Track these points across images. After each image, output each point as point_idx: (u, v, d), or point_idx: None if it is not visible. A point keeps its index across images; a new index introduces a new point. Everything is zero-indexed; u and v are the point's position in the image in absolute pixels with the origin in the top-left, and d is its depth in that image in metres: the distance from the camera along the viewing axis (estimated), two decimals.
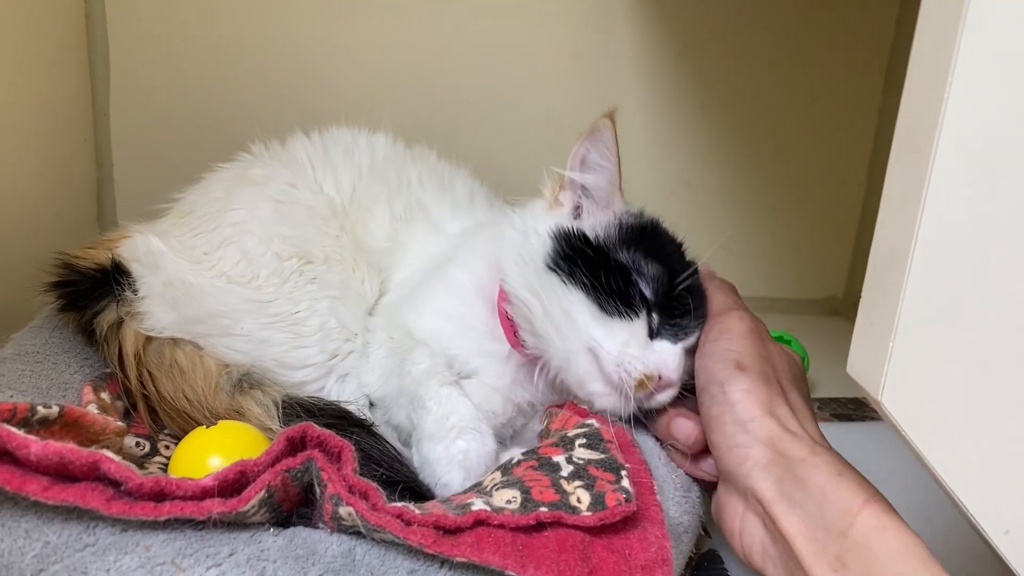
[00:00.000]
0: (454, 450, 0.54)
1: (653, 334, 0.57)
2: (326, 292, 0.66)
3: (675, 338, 0.57)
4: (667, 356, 0.56)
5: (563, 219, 0.62)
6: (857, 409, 0.90)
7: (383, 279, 0.72)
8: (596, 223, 0.61)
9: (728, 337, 0.54)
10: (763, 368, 0.52)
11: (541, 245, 0.61)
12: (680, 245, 0.64)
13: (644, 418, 0.58)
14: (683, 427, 0.55)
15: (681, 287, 0.58)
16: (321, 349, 0.64)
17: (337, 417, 0.60)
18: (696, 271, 0.60)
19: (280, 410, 0.60)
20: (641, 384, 0.55)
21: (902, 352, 0.38)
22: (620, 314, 0.56)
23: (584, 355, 0.57)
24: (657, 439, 0.58)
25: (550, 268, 0.59)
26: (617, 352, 0.56)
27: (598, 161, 0.61)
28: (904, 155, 0.38)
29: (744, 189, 1.17)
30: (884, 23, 1.13)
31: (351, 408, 0.62)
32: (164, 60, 1.01)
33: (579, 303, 0.57)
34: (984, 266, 0.36)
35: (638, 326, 0.57)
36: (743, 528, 0.48)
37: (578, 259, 0.58)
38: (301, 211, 0.69)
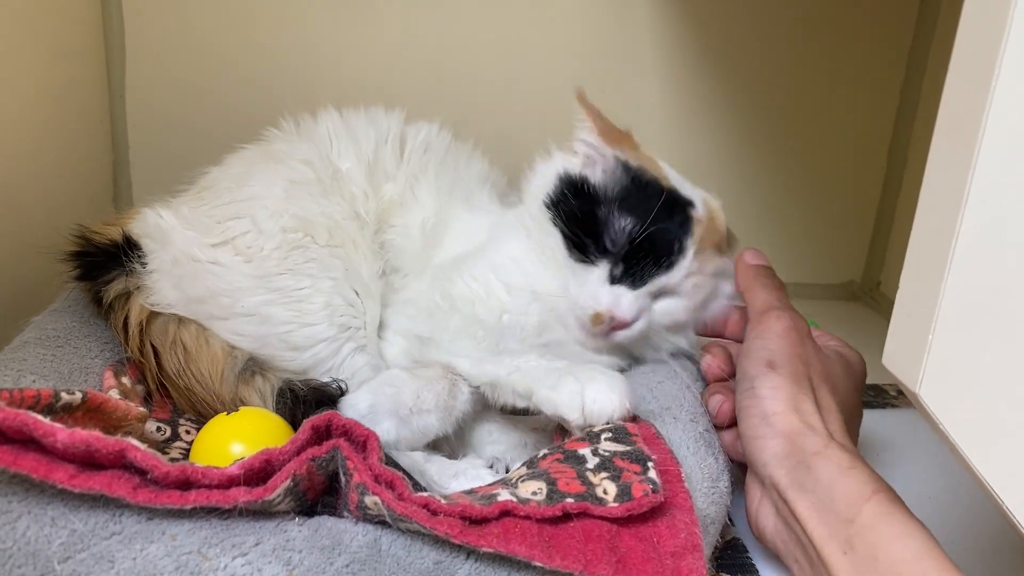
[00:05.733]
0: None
1: (614, 280, 0.63)
2: (328, 273, 0.65)
3: (634, 284, 0.63)
4: (621, 298, 0.62)
5: (572, 165, 0.67)
6: (877, 396, 0.89)
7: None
8: (596, 173, 0.66)
9: (765, 336, 0.57)
10: (794, 366, 0.54)
11: (547, 184, 0.67)
12: (662, 194, 0.64)
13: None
14: (714, 401, 0.61)
15: (642, 237, 0.62)
16: (330, 324, 0.64)
17: (327, 401, 0.61)
18: (662, 224, 0.63)
19: (274, 397, 0.60)
20: (596, 319, 0.62)
21: (942, 345, 0.37)
22: (583, 260, 0.64)
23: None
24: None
25: (546, 206, 0.66)
26: (575, 292, 0.63)
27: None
28: (947, 141, 0.37)
29: (761, 173, 1.16)
30: (906, 4, 1.11)
31: (334, 389, 0.62)
32: (180, 41, 1.00)
33: (557, 244, 0.65)
34: None
35: (600, 271, 0.63)
36: (759, 511, 0.53)
37: (562, 204, 0.65)
38: (313, 189, 0.69)
